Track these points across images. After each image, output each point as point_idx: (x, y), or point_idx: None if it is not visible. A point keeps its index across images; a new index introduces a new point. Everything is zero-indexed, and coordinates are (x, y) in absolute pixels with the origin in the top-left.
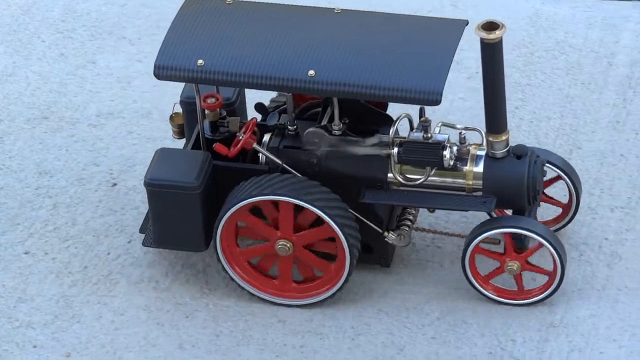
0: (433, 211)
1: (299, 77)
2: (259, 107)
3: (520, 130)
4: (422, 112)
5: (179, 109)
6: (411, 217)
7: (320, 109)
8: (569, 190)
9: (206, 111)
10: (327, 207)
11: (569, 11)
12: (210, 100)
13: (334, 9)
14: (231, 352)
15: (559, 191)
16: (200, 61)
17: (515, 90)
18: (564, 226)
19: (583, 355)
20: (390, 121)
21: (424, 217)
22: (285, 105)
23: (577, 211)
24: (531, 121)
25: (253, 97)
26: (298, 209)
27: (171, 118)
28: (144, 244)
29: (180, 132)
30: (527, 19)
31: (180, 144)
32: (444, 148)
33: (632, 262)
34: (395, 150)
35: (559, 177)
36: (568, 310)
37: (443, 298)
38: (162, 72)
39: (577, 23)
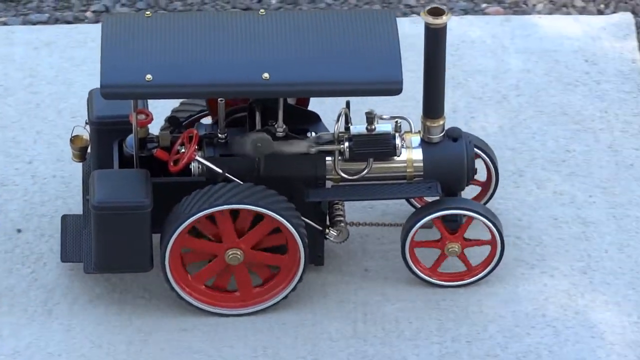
0: None
1: (254, 81)
2: (173, 119)
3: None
4: (347, 106)
5: (79, 131)
6: (341, 212)
7: (241, 114)
8: (488, 168)
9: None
10: (282, 209)
11: None
12: (141, 117)
13: (258, 11)
14: None
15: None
16: (148, 76)
17: None
18: (485, 203)
19: None
20: (316, 118)
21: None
22: (196, 115)
23: (496, 188)
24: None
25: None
26: (233, 214)
27: (71, 140)
28: (86, 270)
29: (82, 155)
30: None
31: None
32: (394, 137)
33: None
34: (346, 145)
35: (477, 156)
36: None
37: None
38: (110, 91)
39: None
